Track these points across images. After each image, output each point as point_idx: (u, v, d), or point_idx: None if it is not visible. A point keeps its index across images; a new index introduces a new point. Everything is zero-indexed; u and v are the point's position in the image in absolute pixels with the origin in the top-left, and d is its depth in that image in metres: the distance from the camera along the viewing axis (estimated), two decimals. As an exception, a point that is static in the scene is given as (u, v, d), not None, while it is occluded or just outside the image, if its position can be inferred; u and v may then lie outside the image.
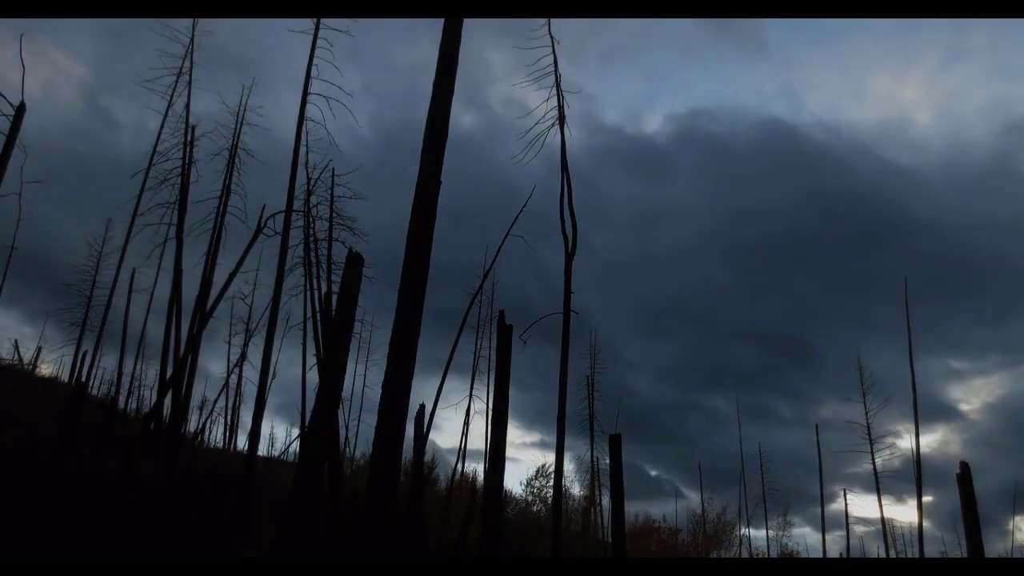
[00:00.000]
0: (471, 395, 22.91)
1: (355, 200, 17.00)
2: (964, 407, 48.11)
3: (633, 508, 36.55)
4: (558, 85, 15.26)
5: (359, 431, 27.95)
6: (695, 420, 47.98)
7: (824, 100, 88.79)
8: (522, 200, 14.84)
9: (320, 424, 9.31)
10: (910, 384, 21.26)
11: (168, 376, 16.18)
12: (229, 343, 25.86)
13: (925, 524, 20.91)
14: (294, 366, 17.87)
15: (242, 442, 24.71)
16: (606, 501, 28.99)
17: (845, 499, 25.89)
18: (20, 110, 10.33)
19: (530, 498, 29.62)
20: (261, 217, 14.37)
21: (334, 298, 14.66)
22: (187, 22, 18.42)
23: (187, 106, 18.28)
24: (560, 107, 15.23)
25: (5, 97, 10.21)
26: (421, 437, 15.14)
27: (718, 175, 69.91)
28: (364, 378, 27.49)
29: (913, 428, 20.92)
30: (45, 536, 9.64)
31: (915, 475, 20.88)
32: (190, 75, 18.49)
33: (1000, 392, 48.94)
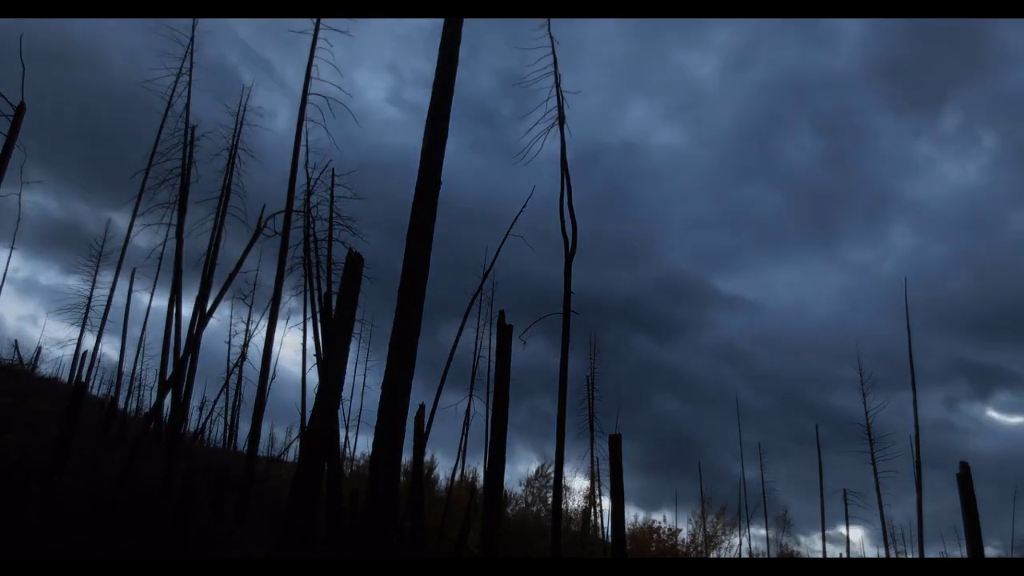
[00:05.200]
0: (471, 395, 22.96)
1: (355, 200, 17.05)
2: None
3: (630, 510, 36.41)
4: (558, 85, 15.28)
5: (359, 431, 28.01)
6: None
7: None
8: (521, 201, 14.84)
9: (320, 424, 9.32)
10: (910, 384, 21.35)
11: (168, 376, 16.19)
12: (229, 343, 25.89)
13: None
14: (294, 367, 17.89)
15: (242, 442, 24.71)
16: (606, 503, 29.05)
17: (845, 499, 25.89)
18: (20, 110, 10.32)
19: (530, 498, 29.58)
20: (261, 217, 14.35)
21: (334, 298, 14.67)
22: (187, 22, 18.46)
23: (187, 106, 18.31)
24: (560, 107, 15.24)
25: (5, 97, 10.20)
26: (421, 437, 15.14)
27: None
28: (364, 378, 27.58)
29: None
30: (45, 536, 9.63)
31: (915, 475, 20.92)
32: (190, 75, 18.52)
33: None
